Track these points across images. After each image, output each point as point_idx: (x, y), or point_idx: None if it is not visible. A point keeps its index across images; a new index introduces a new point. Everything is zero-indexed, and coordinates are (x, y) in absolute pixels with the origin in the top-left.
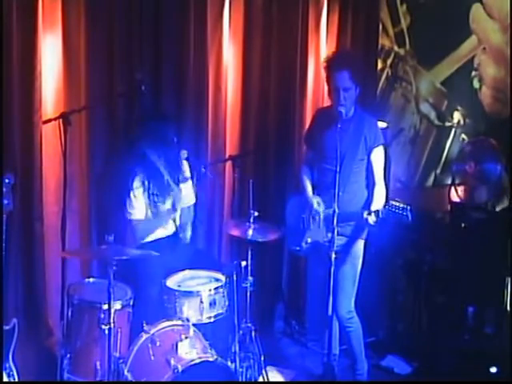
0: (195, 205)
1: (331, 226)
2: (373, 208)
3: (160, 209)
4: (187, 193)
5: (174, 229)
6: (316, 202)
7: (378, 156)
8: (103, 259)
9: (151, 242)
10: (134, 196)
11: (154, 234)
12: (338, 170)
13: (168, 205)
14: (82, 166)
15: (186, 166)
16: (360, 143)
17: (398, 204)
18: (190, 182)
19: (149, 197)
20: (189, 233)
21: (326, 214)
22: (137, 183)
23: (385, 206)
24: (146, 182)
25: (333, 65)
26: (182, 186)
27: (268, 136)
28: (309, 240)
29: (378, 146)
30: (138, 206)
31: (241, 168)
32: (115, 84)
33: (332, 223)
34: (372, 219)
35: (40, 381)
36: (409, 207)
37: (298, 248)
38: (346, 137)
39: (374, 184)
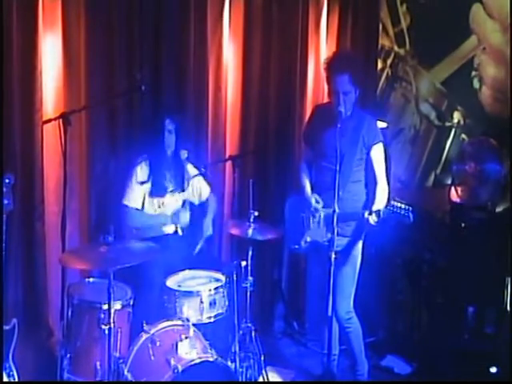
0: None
1: (331, 226)
2: (374, 208)
3: (157, 206)
4: (201, 186)
5: (174, 228)
6: (314, 200)
7: (377, 153)
8: (103, 267)
9: (151, 239)
10: (134, 183)
11: (153, 228)
12: (337, 168)
13: (167, 205)
14: (81, 166)
15: (189, 166)
16: (359, 142)
17: (399, 205)
18: (201, 178)
19: (151, 193)
20: (209, 226)
21: (326, 214)
22: (140, 170)
23: (386, 207)
24: (147, 174)
25: (333, 67)
26: (192, 181)
27: (268, 136)
28: (308, 239)
29: (376, 143)
30: (136, 196)
31: (241, 168)
32: (115, 84)
33: (332, 223)
34: (373, 219)
35: (40, 381)
36: (410, 208)
37: (296, 246)
38: (344, 136)
39: (375, 183)
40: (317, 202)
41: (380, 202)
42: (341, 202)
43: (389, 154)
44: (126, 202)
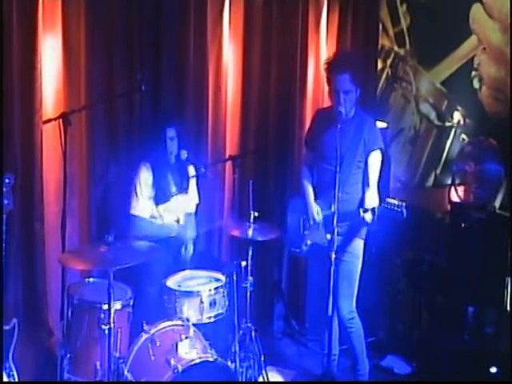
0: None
1: (330, 228)
2: (369, 206)
3: (162, 213)
4: (191, 196)
5: (176, 229)
6: (316, 212)
7: (374, 160)
8: (103, 267)
9: (152, 241)
10: (139, 192)
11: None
12: (337, 170)
13: (172, 209)
14: (82, 166)
15: (190, 167)
16: (359, 145)
17: (393, 201)
18: (193, 183)
19: (155, 200)
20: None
21: (324, 215)
22: (143, 176)
23: (381, 204)
24: (151, 181)
25: (334, 67)
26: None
27: (268, 136)
28: (308, 242)
29: (375, 149)
30: (142, 202)
31: (241, 168)
32: (115, 84)
33: (330, 224)
34: (368, 217)
35: (40, 381)
36: (404, 204)
37: (297, 250)
38: (345, 138)
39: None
40: (317, 213)
41: (369, 205)
42: (340, 203)
43: (389, 154)
44: (134, 212)
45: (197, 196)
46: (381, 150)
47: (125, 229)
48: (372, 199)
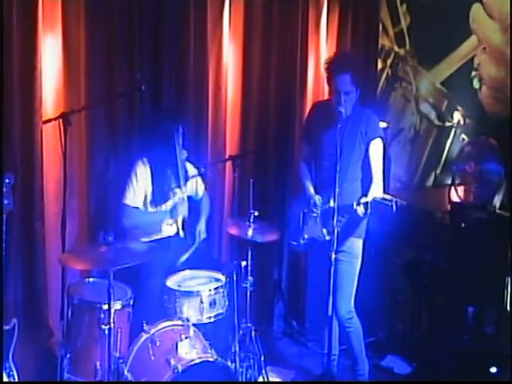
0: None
1: (327, 222)
2: (363, 200)
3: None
4: (198, 186)
5: (175, 229)
6: (318, 199)
7: (375, 149)
8: (103, 267)
9: (152, 241)
10: (135, 183)
11: (152, 226)
12: (337, 169)
13: (168, 206)
14: (81, 166)
15: (189, 166)
16: (357, 139)
17: (385, 196)
18: (199, 178)
19: (153, 201)
20: (203, 231)
21: (322, 210)
22: (139, 170)
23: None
24: (149, 176)
25: (334, 67)
26: (191, 181)
27: (268, 136)
28: (306, 236)
29: (375, 138)
30: (135, 192)
31: (241, 168)
32: (115, 84)
33: (327, 219)
34: (361, 210)
35: (40, 381)
36: (395, 199)
37: (295, 243)
38: (344, 134)
39: (370, 180)
40: (319, 200)
41: (371, 196)
42: (338, 200)
43: (389, 154)
44: (126, 202)
45: (200, 191)
46: (381, 138)
47: (122, 226)
48: (377, 190)
